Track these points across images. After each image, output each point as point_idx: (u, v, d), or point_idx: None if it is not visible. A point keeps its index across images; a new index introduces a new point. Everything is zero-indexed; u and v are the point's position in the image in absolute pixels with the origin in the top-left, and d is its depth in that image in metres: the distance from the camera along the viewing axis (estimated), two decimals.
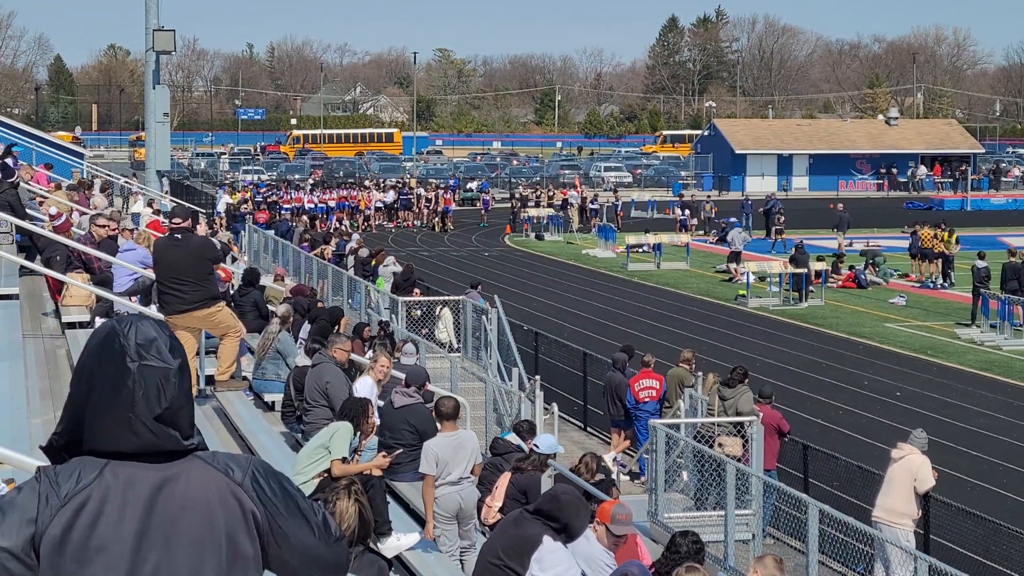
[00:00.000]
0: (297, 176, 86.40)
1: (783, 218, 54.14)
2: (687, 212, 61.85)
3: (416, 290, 28.52)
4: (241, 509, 3.14)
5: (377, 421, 14.52)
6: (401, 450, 12.68)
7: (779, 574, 10.19)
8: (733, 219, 56.56)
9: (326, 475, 11.19)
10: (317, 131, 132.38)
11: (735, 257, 45.41)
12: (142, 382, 3.11)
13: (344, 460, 11.20)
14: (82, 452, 3.15)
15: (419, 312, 26.58)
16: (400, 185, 71.88)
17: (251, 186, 71.48)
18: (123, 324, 3.20)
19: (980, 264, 35.21)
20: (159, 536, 3.05)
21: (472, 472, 12.10)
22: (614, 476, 18.33)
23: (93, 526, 3.02)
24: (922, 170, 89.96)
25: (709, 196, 68.36)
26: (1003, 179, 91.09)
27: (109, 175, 44.55)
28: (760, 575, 10.20)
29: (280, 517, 3.19)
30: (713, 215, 59.82)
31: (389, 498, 12.02)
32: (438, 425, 12.85)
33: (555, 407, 20.64)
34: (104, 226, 18.38)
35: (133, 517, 3.04)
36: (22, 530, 3.01)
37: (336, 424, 11.48)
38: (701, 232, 58.79)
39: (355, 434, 11.43)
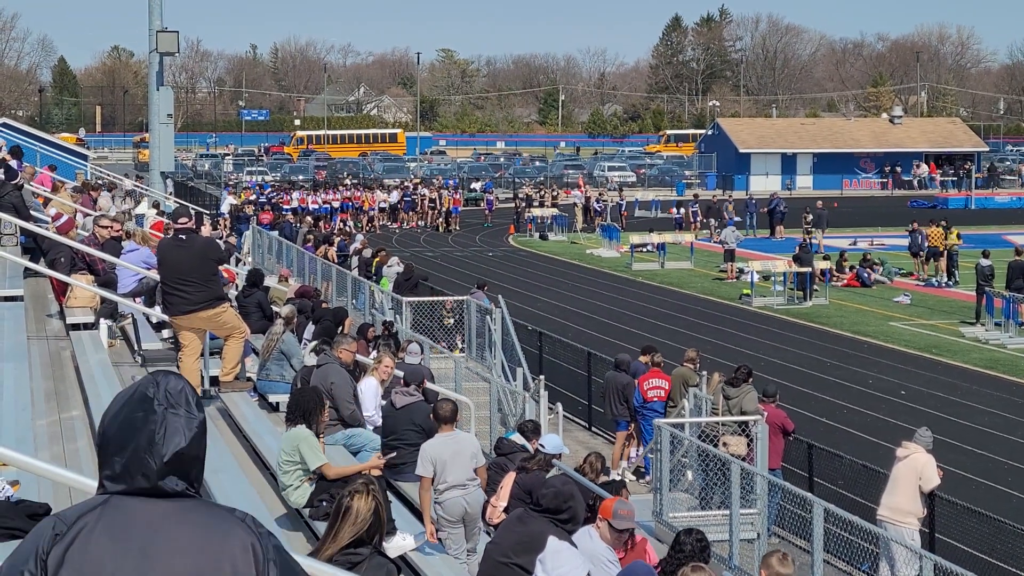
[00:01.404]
0: (301, 177, 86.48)
1: (811, 217, 53.99)
2: (682, 211, 61.54)
3: (449, 300, 28.18)
4: (240, 545, 3.23)
5: (372, 416, 14.52)
6: (395, 453, 12.67)
7: (783, 569, 10.19)
8: (737, 218, 56.58)
9: (314, 477, 11.12)
10: (321, 132, 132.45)
11: (730, 255, 45.42)
12: (164, 425, 3.28)
13: (327, 462, 11.11)
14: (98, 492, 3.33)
15: (452, 321, 26.76)
16: (412, 185, 72.00)
17: (256, 187, 71.49)
18: (157, 376, 3.41)
19: (984, 262, 35.19)
20: (157, 565, 3.15)
21: (477, 474, 12.05)
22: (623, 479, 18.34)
23: (93, 548, 3.16)
24: (923, 169, 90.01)
25: (731, 196, 67.49)
26: (1000, 178, 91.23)
27: (114, 177, 44.56)
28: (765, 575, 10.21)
29: (273, 565, 3.26)
30: (734, 216, 59.54)
31: (393, 498, 12.01)
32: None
33: (559, 407, 20.64)
34: (107, 227, 18.39)
35: (133, 545, 3.17)
36: (36, 558, 3.18)
37: (292, 434, 11.21)
38: (706, 232, 58.65)
39: (312, 429, 11.20)
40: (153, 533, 3.17)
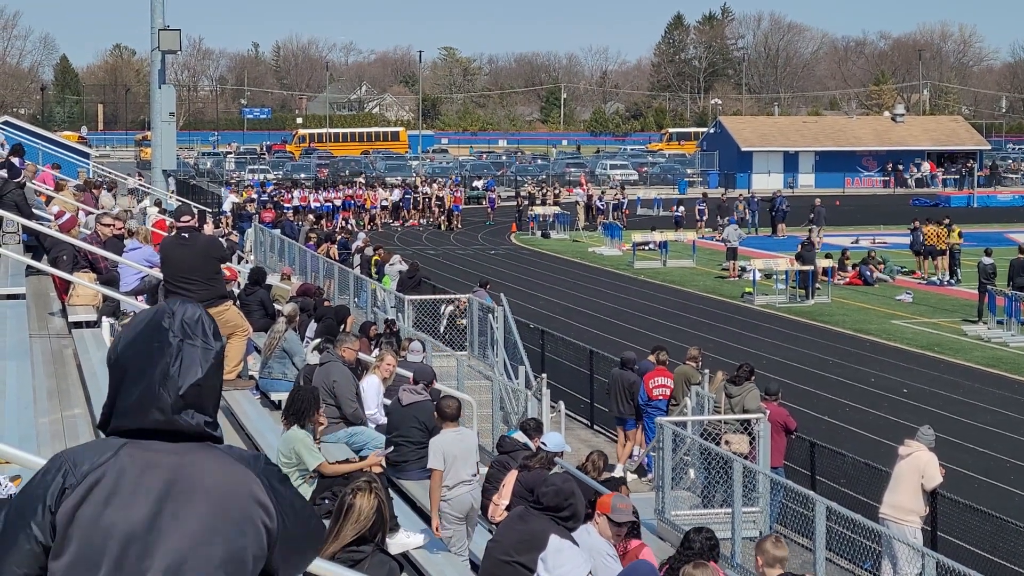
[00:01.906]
0: (303, 175, 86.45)
1: (813, 215, 53.94)
2: (681, 209, 61.32)
3: (463, 299, 28.00)
4: (254, 500, 3.16)
5: (374, 414, 14.51)
6: (391, 448, 12.68)
7: (777, 551, 10.36)
8: (734, 216, 56.56)
9: (314, 476, 11.16)
10: (323, 130, 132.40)
11: (732, 254, 45.41)
12: (181, 358, 3.18)
13: (323, 461, 11.16)
14: (110, 429, 3.22)
15: (465, 321, 26.78)
16: (416, 183, 72.10)
17: (258, 186, 71.43)
18: (172, 304, 3.29)
19: (986, 260, 35.18)
20: (170, 521, 3.07)
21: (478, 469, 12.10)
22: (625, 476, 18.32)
23: (104, 504, 3.06)
24: (925, 167, 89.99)
25: (740, 195, 66.41)
26: (1002, 176, 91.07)
27: (115, 175, 44.56)
28: (762, 562, 10.35)
29: (287, 516, 3.21)
30: (747, 216, 58.85)
31: (396, 495, 12.02)
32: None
33: (562, 405, 20.65)
34: (109, 225, 18.40)
35: (146, 501, 3.08)
36: (45, 510, 3.09)
37: (286, 437, 11.27)
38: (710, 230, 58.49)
39: (308, 429, 11.27)
40: (168, 489, 3.08)
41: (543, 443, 13.59)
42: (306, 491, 11.19)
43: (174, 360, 3.17)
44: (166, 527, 3.06)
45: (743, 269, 43.73)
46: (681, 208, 61.30)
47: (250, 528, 3.13)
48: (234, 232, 39.51)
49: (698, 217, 59.95)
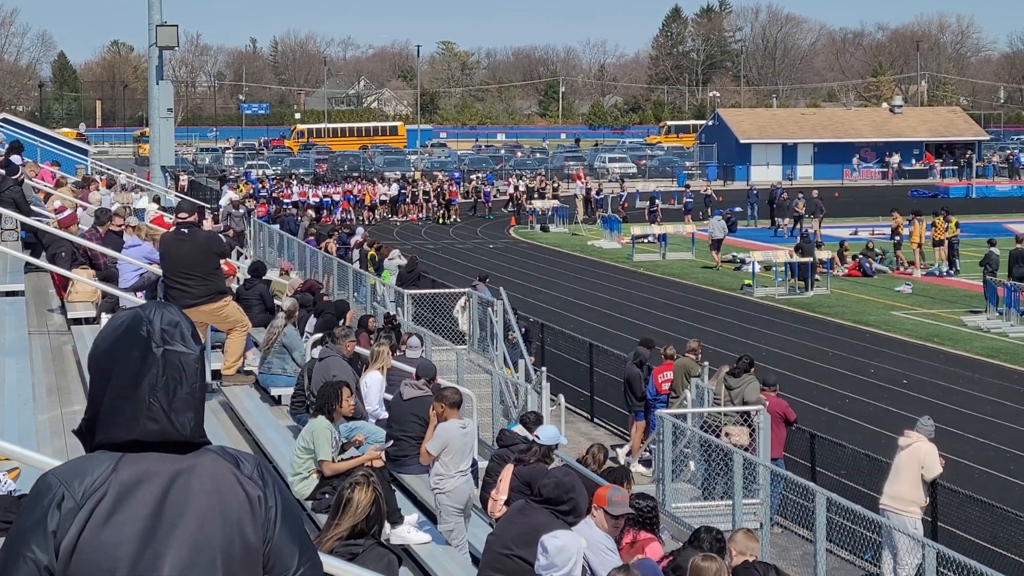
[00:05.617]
0: (302, 170, 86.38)
1: (813, 207, 53.78)
2: (653, 205, 61.10)
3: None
4: (248, 499, 3.17)
5: (376, 410, 14.54)
6: (391, 443, 12.69)
7: (752, 543, 10.72)
8: (738, 208, 56.48)
9: (319, 472, 11.23)
10: (321, 125, 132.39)
11: (716, 245, 45.39)
12: (166, 367, 3.15)
13: (330, 459, 11.21)
14: (99, 440, 3.19)
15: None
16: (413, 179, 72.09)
17: (255, 181, 71.26)
18: (147, 310, 3.23)
19: (996, 252, 35.21)
20: (170, 531, 3.07)
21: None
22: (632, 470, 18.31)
23: (105, 524, 3.04)
24: (895, 159, 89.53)
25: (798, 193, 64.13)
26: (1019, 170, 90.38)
27: (112, 170, 44.54)
28: (735, 552, 10.44)
29: (278, 520, 3.22)
30: (803, 213, 57.72)
31: (395, 489, 12.03)
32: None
33: (562, 398, 20.66)
34: (120, 224, 18.41)
35: (146, 514, 3.06)
36: (48, 535, 3.04)
37: (311, 423, 11.43)
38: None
39: (333, 423, 11.37)
40: (167, 499, 3.07)
41: (536, 436, 13.58)
42: (311, 484, 11.22)
43: (161, 370, 3.14)
44: (167, 538, 3.06)
45: (741, 261, 43.70)
46: (658, 203, 61.01)
47: (249, 528, 3.15)
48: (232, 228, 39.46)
49: (684, 210, 59.85)
